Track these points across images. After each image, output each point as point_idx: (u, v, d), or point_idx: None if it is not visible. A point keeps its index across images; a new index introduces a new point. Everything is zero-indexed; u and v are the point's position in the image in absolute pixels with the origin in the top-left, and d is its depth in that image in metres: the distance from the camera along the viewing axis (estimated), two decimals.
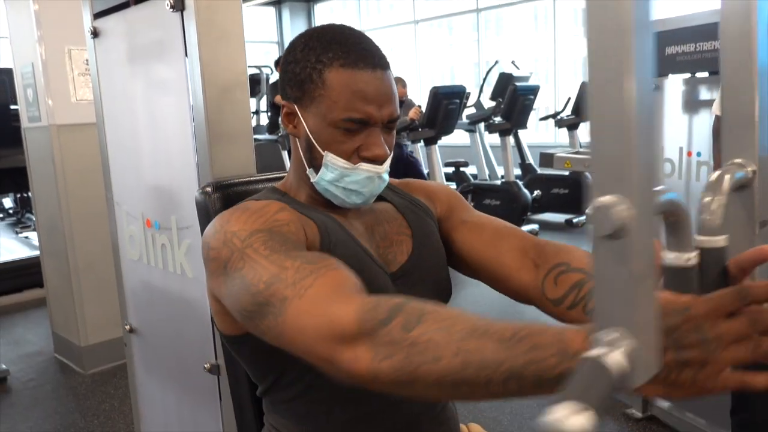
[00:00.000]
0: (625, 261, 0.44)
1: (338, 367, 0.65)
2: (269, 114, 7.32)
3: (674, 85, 2.23)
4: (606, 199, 0.43)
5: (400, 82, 5.81)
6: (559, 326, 0.55)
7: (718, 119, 1.61)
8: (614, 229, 0.43)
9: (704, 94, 2.18)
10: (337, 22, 0.98)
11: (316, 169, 0.94)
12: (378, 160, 0.92)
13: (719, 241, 0.61)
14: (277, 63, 6.68)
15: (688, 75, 2.19)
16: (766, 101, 0.65)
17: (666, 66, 2.22)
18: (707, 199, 0.63)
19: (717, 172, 0.65)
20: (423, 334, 0.60)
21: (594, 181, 0.44)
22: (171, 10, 1.38)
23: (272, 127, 6.65)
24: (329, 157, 0.91)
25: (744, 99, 0.65)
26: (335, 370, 0.66)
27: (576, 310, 0.87)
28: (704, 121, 2.15)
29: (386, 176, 0.95)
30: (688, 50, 2.13)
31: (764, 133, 0.65)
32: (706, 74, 2.15)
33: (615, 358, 0.43)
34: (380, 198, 1.03)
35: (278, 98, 1.01)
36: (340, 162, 0.91)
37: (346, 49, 0.90)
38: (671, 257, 0.58)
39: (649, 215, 0.44)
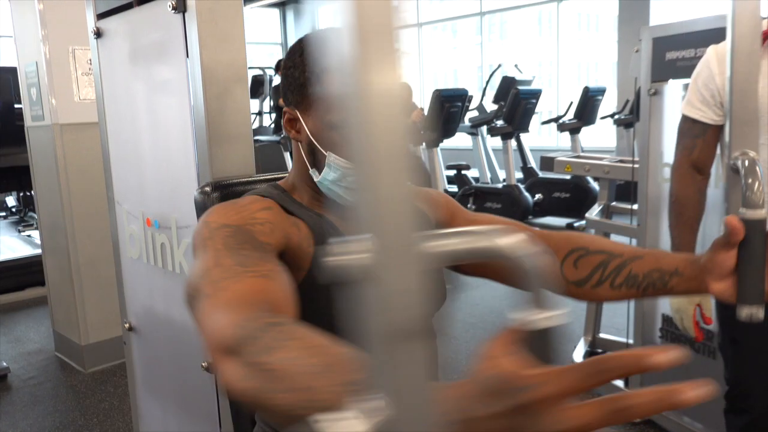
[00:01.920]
0: (378, 314, 0.35)
1: (219, 377, 0.63)
2: (273, 115, 7.34)
3: (674, 90, 2.23)
4: (353, 240, 0.35)
5: (407, 90, 5.83)
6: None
7: (685, 119, 1.62)
8: (357, 276, 0.35)
9: None
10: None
11: (319, 170, 0.95)
12: None
13: (762, 213, 0.73)
14: (277, 66, 6.69)
15: (687, 80, 2.19)
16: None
17: (666, 71, 2.22)
18: (749, 180, 0.78)
19: (743, 159, 0.81)
20: (282, 360, 0.56)
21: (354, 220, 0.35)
22: (173, 11, 1.40)
23: (278, 128, 6.68)
24: (332, 158, 0.93)
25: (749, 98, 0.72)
26: (220, 381, 0.63)
27: (603, 287, 0.93)
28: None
29: None
30: (688, 56, 2.14)
31: None
32: None
33: (348, 426, 0.37)
34: None
35: (281, 102, 1.02)
36: (342, 162, 0.93)
37: None
38: (524, 318, 0.47)
39: (406, 261, 0.35)
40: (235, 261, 0.76)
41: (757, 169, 0.81)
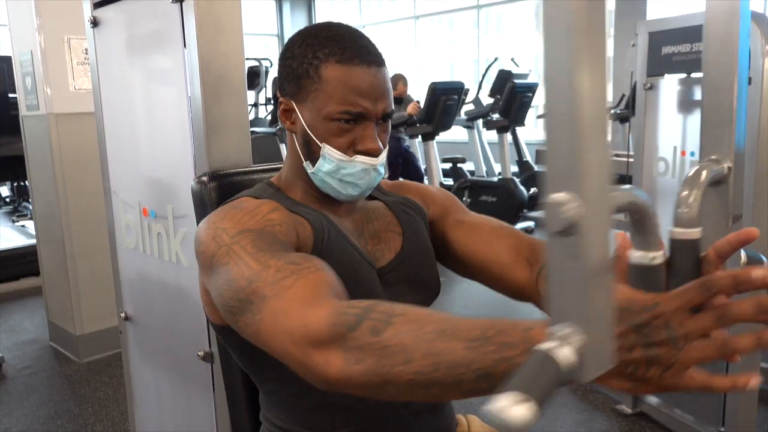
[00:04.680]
0: (577, 257, 0.44)
1: (311, 371, 0.66)
2: (270, 107, 7.32)
3: (669, 84, 2.24)
4: (558, 196, 0.43)
5: (402, 80, 5.82)
6: (528, 322, 0.56)
7: None
8: (565, 227, 0.43)
9: (699, 94, 2.19)
10: (336, 20, 1.00)
11: (313, 163, 0.96)
12: (372, 154, 0.94)
13: (694, 233, 0.63)
14: None
15: (683, 75, 2.20)
16: (742, 102, 0.68)
17: (661, 66, 2.23)
18: (685, 192, 0.66)
19: (695, 168, 0.68)
20: (393, 337, 0.60)
21: (547, 178, 0.44)
22: (170, 1, 1.39)
23: (275, 119, 6.67)
24: (326, 149, 0.93)
25: (724, 99, 0.68)
26: (309, 374, 0.66)
27: None
28: (698, 121, 2.17)
29: (381, 169, 0.98)
30: (684, 50, 2.15)
31: (740, 131, 0.68)
32: (701, 74, 2.16)
33: (563, 352, 0.45)
34: (371, 197, 1.06)
35: (279, 93, 1.02)
36: (337, 154, 0.93)
37: (342, 45, 0.93)
38: (637, 256, 0.61)
39: (601, 213, 0.45)
40: (282, 261, 0.76)
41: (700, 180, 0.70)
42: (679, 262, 0.64)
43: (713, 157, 0.70)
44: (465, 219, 1.07)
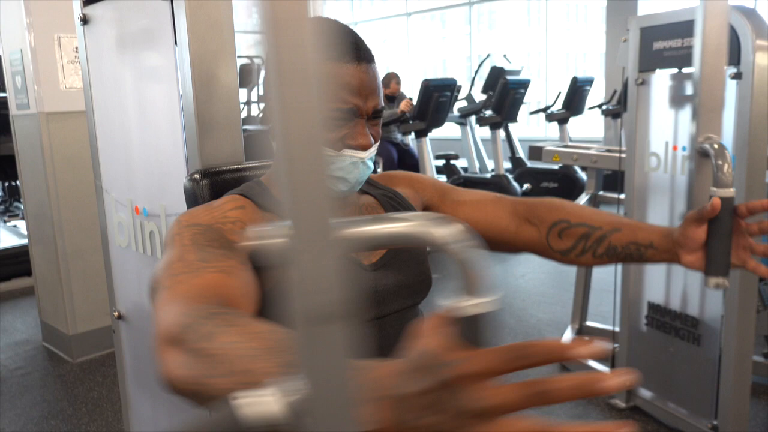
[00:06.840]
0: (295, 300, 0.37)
1: (158, 368, 0.63)
2: (263, 105, 7.29)
3: (661, 80, 2.25)
4: (271, 228, 0.36)
5: (395, 78, 5.82)
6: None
7: None
8: (275, 260, 0.36)
9: (690, 89, 2.20)
10: (325, 16, 1.00)
11: None
12: (363, 149, 0.94)
13: (731, 191, 0.83)
14: None
15: (675, 70, 2.21)
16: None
17: (653, 61, 2.23)
18: (719, 162, 0.87)
19: (712, 143, 0.92)
20: (222, 346, 0.57)
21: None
22: None
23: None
24: None
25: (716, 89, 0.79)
26: (158, 372, 0.63)
27: (586, 257, 1.05)
28: (690, 116, 2.18)
29: (370, 163, 0.99)
30: (675, 45, 2.15)
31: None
32: (692, 69, 2.17)
33: (264, 404, 0.39)
34: (362, 191, 1.07)
35: None
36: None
37: (332, 43, 0.93)
38: (463, 305, 0.46)
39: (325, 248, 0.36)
40: (198, 257, 0.78)
41: (726, 152, 0.89)
42: (720, 218, 0.83)
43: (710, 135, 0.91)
44: (463, 198, 1.15)
